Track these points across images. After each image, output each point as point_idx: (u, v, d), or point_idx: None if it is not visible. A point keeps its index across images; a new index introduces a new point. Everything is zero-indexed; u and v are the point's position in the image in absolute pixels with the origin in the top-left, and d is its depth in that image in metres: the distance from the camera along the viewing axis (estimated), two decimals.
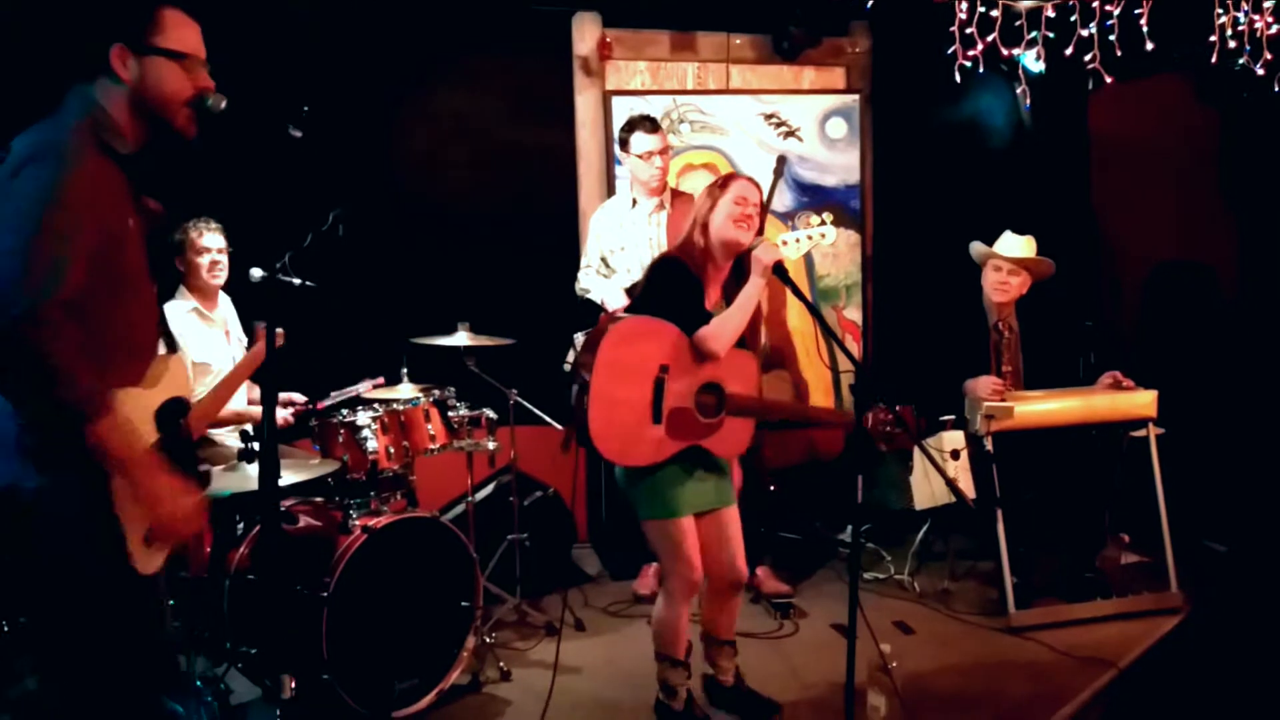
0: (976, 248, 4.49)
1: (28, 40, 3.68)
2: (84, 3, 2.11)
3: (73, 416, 1.91)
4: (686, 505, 3.15)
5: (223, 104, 2.15)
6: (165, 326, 2.41)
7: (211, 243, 3.92)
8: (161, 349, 2.36)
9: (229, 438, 3.96)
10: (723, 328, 3.07)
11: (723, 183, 3.21)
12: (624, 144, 4.52)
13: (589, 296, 4.64)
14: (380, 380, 3.97)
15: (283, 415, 3.90)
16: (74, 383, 1.90)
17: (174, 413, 2.27)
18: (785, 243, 4.23)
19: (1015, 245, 4.43)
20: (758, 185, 3.25)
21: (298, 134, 2.10)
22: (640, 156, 4.43)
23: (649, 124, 4.46)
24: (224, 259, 3.95)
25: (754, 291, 3.11)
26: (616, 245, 4.58)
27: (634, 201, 4.58)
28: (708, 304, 3.17)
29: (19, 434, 1.99)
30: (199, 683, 3.34)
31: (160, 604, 2.21)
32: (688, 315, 3.10)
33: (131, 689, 2.15)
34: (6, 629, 3.38)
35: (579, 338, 4.63)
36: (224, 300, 4.09)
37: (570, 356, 4.70)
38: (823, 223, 4.30)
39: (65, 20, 3.19)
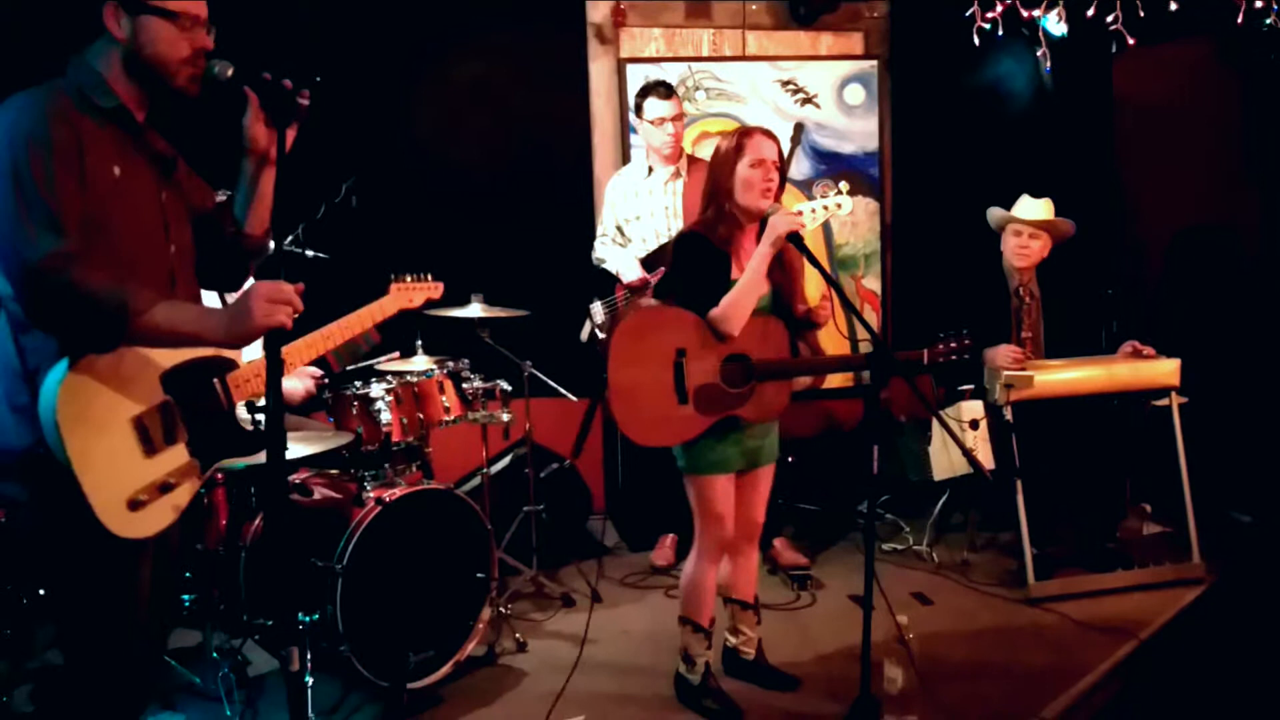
0: (994, 213, 4.44)
1: (31, 9, 3.67)
2: None
3: (119, 325, 1.98)
4: (727, 464, 3.17)
5: (229, 71, 2.12)
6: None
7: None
8: None
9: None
10: (731, 307, 3.05)
11: (737, 145, 3.13)
12: (638, 110, 4.46)
13: (605, 266, 4.60)
14: (395, 355, 3.96)
15: (305, 385, 3.89)
16: (109, 296, 1.96)
17: (203, 372, 2.25)
18: (800, 212, 4.17)
19: (1034, 208, 4.38)
20: (773, 137, 3.18)
21: (288, 85, 2.08)
22: (653, 122, 4.38)
23: (663, 89, 4.40)
24: None
25: (760, 264, 3.06)
26: (632, 214, 4.54)
27: (649, 169, 4.53)
28: (738, 270, 3.14)
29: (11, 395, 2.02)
30: (215, 655, 3.36)
31: (138, 570, 2.16)
32: (714, 290, 3.08)
33: (107, 658, 2.15)
34: (26, 601, 3.41)
35: (595, 306, 4.60)
36: None
37: (586, 329, 4.67)
38: (839, 192, 4.23)
39: None
